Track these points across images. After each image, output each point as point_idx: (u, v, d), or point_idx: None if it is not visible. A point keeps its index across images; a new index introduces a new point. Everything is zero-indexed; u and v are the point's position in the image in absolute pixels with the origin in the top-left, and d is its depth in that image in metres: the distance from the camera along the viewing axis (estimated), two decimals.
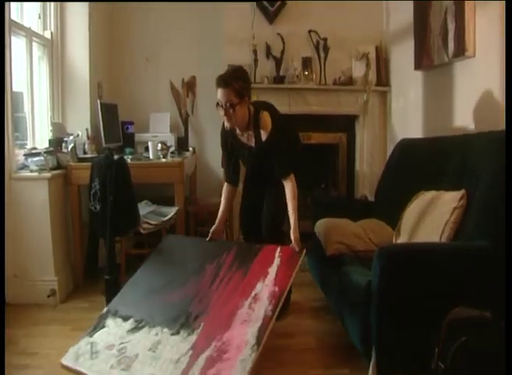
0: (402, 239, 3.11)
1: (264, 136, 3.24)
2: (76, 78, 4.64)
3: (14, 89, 3.66)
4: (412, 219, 3.10)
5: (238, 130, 3.31)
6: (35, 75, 4.21)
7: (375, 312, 2.43)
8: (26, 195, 3.64)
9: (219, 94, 3.08)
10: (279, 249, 2.97)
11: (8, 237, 3.49)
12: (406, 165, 3.81)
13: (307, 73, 5.22)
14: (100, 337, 2.76)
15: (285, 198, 3.21)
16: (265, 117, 3.24)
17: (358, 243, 3.28)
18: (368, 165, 5.35)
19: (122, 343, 2.65)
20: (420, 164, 3.57)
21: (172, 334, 2.59)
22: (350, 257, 3.17)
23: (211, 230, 3.37)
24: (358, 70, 5.24)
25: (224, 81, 3.07)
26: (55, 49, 4.51)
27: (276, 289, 2.67)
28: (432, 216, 2.90)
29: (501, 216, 2.33)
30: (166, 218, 3.88)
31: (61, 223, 3.94)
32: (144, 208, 4.08)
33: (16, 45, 3.81)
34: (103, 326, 2.84)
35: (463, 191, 2.81)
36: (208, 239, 3.31)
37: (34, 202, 3.66)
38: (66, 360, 2.67)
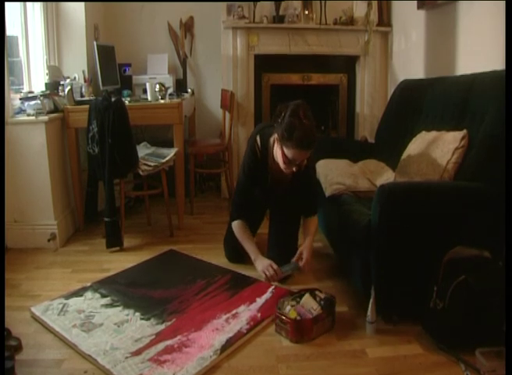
0: (402, 179, 3.09)
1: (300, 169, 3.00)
2: (71, 20, 4.56)
3: (8, 33, 3.58)
4: (413, 159, 3.09)
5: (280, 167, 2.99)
6: (29, 18, 4.11)
7: (374, 251, 2.45)
8: (23, 140, 3.60)
9: (298, 154, 2.80)
10: (273, 287, 3.04)
11: (7, 182, 3.51)
12: (407, 106, 3.78)
13: (307, 12, 5.08)
14: (74, 301, 2.88)
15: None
16: None
17: (358, 183, 3.28)
18: (369, 106, 5.29)
19: (92, 311, 2.76)
20: (421, 105, 3.54)
21: (142, 319, 2.67)
22: (349, 197, 3.17)
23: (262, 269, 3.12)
24: (359, 10, 5.10)
25: (309, 144, 2.80)
26: None
27: (258, 315, 2.71)
28: (433, 156, 2.89)
29: (502, 157, 2.30)
30: (165, 159, 3.83)
31: (59, 166, 3.92)
32: (143, 150, 4.05)
33: None
34: (81, 295, 2.96)
35: (464, 132, 2.80)
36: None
37: (32, 146, 3.62)
38: (36, 309, 2.77)
